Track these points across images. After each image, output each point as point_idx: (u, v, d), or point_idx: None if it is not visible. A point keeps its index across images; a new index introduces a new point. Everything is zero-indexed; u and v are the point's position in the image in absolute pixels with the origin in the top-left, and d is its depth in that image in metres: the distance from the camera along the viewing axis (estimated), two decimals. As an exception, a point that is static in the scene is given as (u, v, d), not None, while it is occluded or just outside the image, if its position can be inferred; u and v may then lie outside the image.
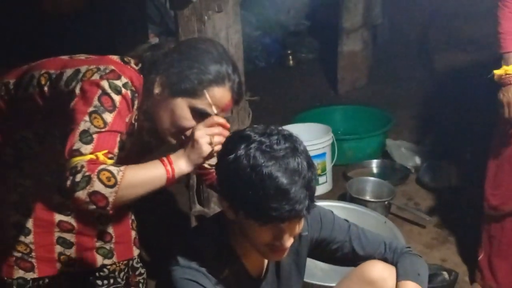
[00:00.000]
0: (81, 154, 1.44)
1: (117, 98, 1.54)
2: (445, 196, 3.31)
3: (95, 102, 1.52)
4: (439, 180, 3.44)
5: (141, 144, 1.79)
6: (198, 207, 2.49)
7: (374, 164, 3.73)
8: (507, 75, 2.21)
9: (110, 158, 1.47)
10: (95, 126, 1.49)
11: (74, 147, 1.45)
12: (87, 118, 1.50)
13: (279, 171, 1.35)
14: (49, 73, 1.67)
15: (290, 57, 5.63)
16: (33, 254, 1.87)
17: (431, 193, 3.37)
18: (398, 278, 1.70)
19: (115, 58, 1.67)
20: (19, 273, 1.88)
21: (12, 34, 4.27)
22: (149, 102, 1.63)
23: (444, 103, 4.10)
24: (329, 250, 1.74)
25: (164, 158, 1.50)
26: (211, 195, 2.42)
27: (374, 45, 4.94)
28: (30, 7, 4.40)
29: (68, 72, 1.62)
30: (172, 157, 1.51)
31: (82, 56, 1.72)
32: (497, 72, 2.23)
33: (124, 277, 2.10)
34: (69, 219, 1.90)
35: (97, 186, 1.39)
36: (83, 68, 1.61)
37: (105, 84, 1.54)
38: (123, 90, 1.56)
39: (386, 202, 3.13)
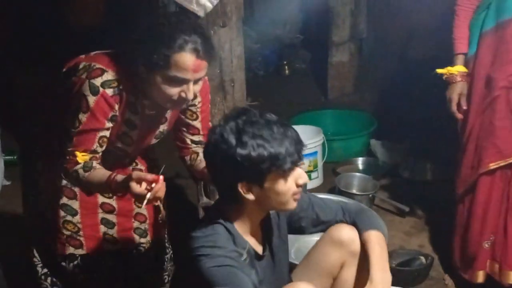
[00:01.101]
0: (67, 151, 1.67)
1: (92, 99, 1.61)
2: (422, 189, 3.31)
3: (75, 101, 1.62)
4: (417, 175, 3.45)
5: (149, 118, 1.80)
6: (205, 199, 2.49)
7: (360, 161, 3.73)
8: (451, 75, 2.24)
9: (90, 152, 1.67)
10: (72, 126, 1.63)
11: (64, 142, 1.67)
12: (68, 117, 1.64)
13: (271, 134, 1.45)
14: (68, 71, 1.73)
15: (286, 67, 5.63)
16: (81, 232, 1.89)
17: (410, 187, 3.37)
18: (361, 231, 1.72)
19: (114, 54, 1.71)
20: (69, 249, 1.90)
21: (39, 46, 4.27)
22: (141, 83, 1.65)
23: (421, 107, 4.09)
24: (299, 218, 1.77)
25: (111, 177, 1.63)
26: (216, 188, 2.43)
27: (360, 56, 4.94)
28: (55, 21, 4.40)
29: (75, 67, 1.68)
30: (117, 177, 1.62)
31: (93, 53, 1.76)
32: (439, 71, 2.28)
33: (156, 254, 2.10)
34: (111, 201, 1.91)
35: (69, 180, 1.74)
36: (82, 64, 1.67)
37: (86, 85, 1.60)
38: (101, 90, 1.61)
39: (370, 195, 3.13)
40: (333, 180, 3.36)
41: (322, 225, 1.79)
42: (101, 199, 1.90)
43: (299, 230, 1.82)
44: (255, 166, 1.44)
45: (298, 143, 1.50)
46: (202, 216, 2.44)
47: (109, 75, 1.62)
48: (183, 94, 1.61)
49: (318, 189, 3.40)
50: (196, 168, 1.94)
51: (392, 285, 1.66)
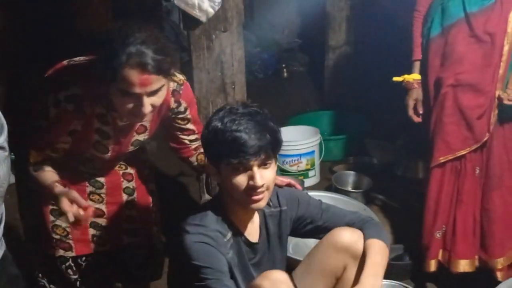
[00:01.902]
0: (25, 147, 1.70)
1: (53, 112, 1.61)
2: (414, 186, 3.29)
3: (41, 109, 1.63)
4: (410, 173, 3.44)
5: (121, 129, 1.75)
6: (207, 196, 2.49)
7: (355, 160, 3.72)
8: (407, 82, 2.28)
9: (42, 156, 1.71)
10: (32, 128, 1.67)
11: (25, 137, 1.69)
12: (32, 118, 1.67)
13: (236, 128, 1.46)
14: (48, 76, 1.71)
15: (284, 70, 5.62)
16: (69, 236, 1.86)
17: (403, 184, 3.36)
18: (366, 238, 1.68)
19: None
20: (59, 252, 1.88)
21: (47, 50, 4.26)
22: (106, 95, 1.59)
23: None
24: (306, 224, 1.74)
25: (51, 185, 1.69)
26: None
27: (355, 59, 4.92)
28: (64, 26, 4.40)
29: (52, 74, 1.68)
30: (56, 188, 1.68)
31: (76, 59, 1.73)
32: (395, 79, 2.29)
33: (145, 252, 2.09)
34: (101, 206, 1.89)
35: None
36: (55, 73, 1.66)
37: (51, 96, 1.61)
38: (62, 104, 1.59)
39: (365, 192, 3.12)
40: (330, 178, 3.36)
41: (330, 231, 1.74)
42: (91, 204, 1.86)
43: (306, 234, 1.79)
44: (210, 147, 1.54)
45: (258, 147, 1.44)
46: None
47: (74, 89, 1.58)
48: (137, 108, 1.53)
49: (315, 187, 3.40)
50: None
51: (386, 278, 1.65)
